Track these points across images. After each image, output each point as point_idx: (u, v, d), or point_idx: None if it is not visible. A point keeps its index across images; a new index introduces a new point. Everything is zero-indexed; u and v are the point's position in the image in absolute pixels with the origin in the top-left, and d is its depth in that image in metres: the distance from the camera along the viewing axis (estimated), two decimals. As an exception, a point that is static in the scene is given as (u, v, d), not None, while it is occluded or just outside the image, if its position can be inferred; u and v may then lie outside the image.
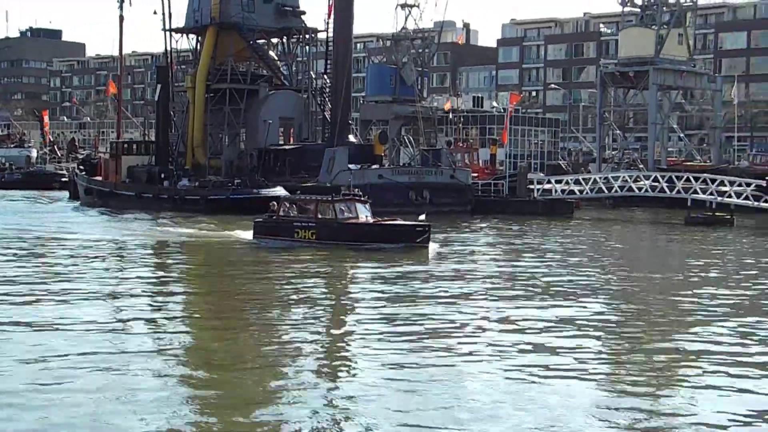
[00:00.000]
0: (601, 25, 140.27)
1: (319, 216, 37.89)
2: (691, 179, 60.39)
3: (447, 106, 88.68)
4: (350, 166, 62.19)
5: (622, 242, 47.53)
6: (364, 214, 37.96)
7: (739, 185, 58.69)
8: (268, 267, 32.32)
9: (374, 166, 63.88)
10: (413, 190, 61.56)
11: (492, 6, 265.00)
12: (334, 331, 21.28)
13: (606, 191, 65.01)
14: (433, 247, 36.75)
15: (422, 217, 38.55)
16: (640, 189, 63.55)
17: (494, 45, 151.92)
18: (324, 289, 27.77)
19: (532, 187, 65.68)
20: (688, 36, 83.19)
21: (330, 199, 38.09)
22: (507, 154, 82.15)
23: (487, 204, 63.98)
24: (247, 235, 40.53)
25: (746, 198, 57.65)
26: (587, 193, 65.27)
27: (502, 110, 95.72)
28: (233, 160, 72.03)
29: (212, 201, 58.60)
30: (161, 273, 31.33)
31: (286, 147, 70.84)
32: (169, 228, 47.11)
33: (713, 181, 59.53)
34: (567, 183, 65.98)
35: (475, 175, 70.44)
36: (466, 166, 72.48)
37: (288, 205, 39.73)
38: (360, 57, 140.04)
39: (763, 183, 53.82)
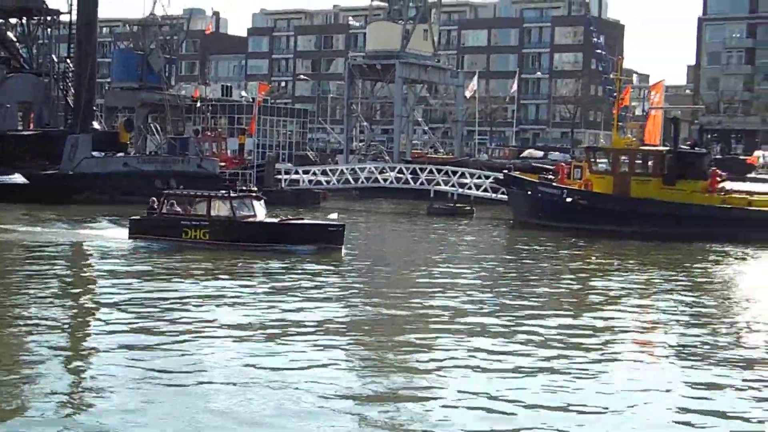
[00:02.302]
0: (350, 18, 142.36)
1: (212, 214, 34.54)
2: (434, 171, 62.28)
3: (195, 95, 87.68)
4: (94, 153, 60.67)
5: (364, 231, 48.43)
6: (261, 212, 35.22)
7: (479, 178, 60.99)
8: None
9: (119, 154, 62.53)
10: (159, 179, 60.52)
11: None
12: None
13: (353, 182, 66.08)
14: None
15: (333, 216, 36.16)
16: (385, 180, 64.92)
17: (244, 34, 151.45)
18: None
19: (279, 177, 65.94)
20: (433, 32, 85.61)
21: (226, 195, 35.13)
22: (255, 144, 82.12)
23: (234, 194, 63.56)
24: (121, 234, 36.48)
25: (485, 190, 59.94)
26: (334, 183, 66.10)
27: (250, 100, 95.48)
28: (-33, 146, 68.42)
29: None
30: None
31: (26, 132, 68.05)
32: (26, 228, 40.47)
33: (455, 173, 61.63)
34: (314, 174, 66.70)
35: (223, 164, 69.99)
36: (214, 156, 71.86)
37: (172, 201, 35.50)
38: (106, 42, 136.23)
39: (501, 176, 56.09)
